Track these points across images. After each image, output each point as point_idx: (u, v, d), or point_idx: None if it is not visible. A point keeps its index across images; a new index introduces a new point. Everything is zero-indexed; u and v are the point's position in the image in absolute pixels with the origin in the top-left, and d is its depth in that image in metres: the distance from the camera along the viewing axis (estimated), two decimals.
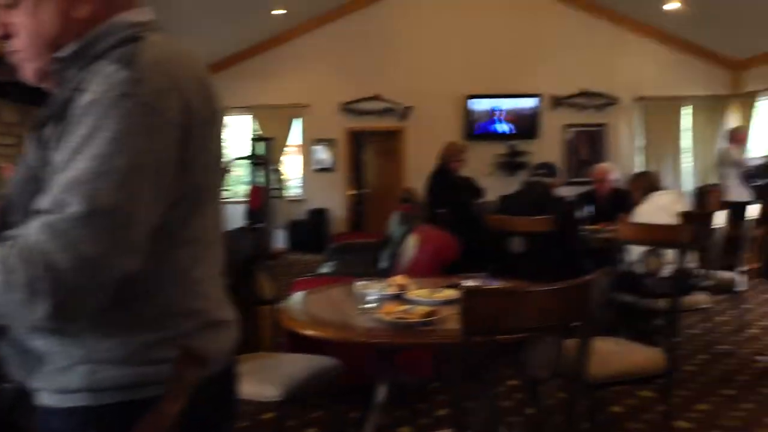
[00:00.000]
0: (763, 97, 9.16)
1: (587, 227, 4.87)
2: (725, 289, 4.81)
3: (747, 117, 9.46)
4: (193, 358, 0.97)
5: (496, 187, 6.94)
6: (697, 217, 4.34)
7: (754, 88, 9.43)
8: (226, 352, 1.11)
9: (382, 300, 2.39)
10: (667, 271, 3.27)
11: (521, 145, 9.56)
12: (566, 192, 7.04)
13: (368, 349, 2.62)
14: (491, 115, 9.48)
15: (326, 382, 2.63)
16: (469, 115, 9.47)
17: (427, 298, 2.44)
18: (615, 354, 2.76)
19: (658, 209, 4.10)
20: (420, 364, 3.43)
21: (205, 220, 1.07)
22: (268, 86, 9.73)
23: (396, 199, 6.98)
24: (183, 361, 0.95)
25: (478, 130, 9.49)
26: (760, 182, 8.07)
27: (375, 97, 9.56)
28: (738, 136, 8.15)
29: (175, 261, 1.03)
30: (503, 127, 9.52)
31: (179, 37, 1.09)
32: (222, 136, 1.11)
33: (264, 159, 9.40)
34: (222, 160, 1.13)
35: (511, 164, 9.36)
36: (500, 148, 9.56)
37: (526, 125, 9.52)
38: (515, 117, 9.52)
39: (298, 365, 2.63)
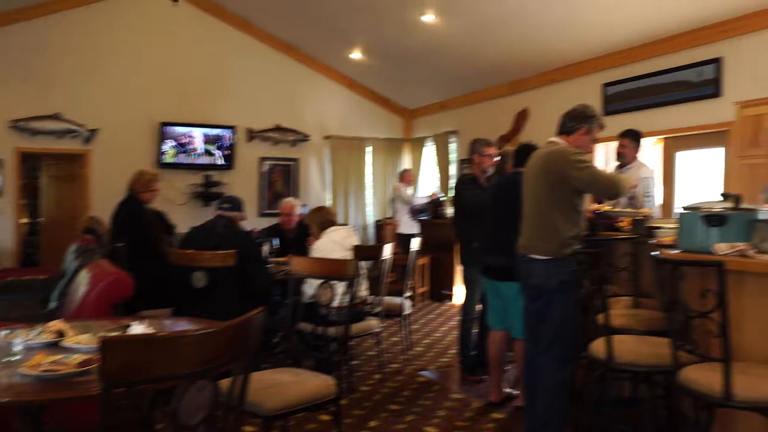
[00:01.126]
0: (430, 143, 10.57)
1: (274, 260, 5.02)
2: (395, 313, 5.35)
3: (417, 159, 10.82)
4: None
5: (189, 218, 6.77)
6: (367, 250, 4.76)
7: (422, 135, 10.84)
8: None
9: (33, 349, 2.13)
10: (341, 300, 3.51)
11: (217, 175, 9.50)
12: (260, 224, 7.21)
13: (10, 409, 2.29)
14: (186, 144, 9.25)
15: None
16: (163, 143, 9.10)
17: (87, 344, 2.23)
18: (291, 384, 2.86)
19: (333, 243, 4.41)
20: (88, 414, 3.12)
21: None
22: None
23: (78, 230, 6.34)
24: None
25: (173, 158, 9.16)
26: (425, 217, 9.27)
27: (54, 116, 8.62)
28: (407, 177, 9.28)
29: None
30: (198, 157, 9.35)
31: None
32: None
33: None
34: None
35: (206, 195, 9.22)
36: (195, 178, 9.37)
37: (222, 156, 9.50)
38: (211, 147, 9.44)
39: None
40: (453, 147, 9.98)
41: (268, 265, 4.88)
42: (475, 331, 4.99)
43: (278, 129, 9.99)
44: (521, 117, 8.74)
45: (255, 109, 9.83)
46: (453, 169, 9.87)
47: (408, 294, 5.66)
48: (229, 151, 9.53)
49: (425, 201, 9.37)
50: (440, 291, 8.84)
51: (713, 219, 2.43)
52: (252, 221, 8.45)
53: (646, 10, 6.20)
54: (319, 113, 10.48)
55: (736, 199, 2.42)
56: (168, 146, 9.09)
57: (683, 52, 6.48)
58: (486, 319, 4.51)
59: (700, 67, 6.31)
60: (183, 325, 2.95)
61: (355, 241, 4.61)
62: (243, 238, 4.03)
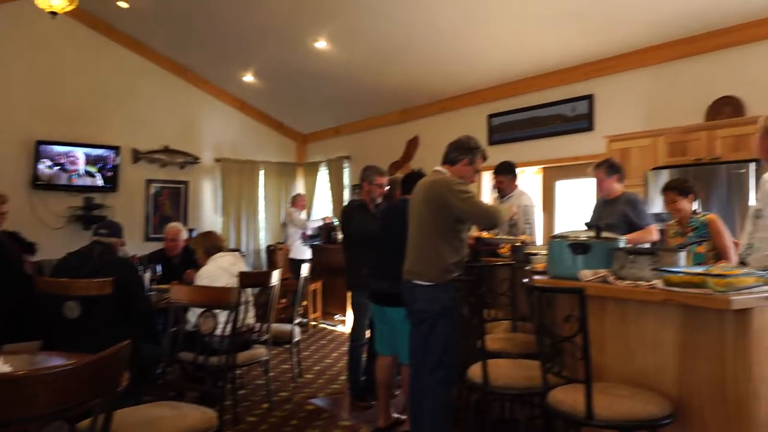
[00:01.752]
0: (323, 168, 10.60)
1: (157, 287, 4.82)
2: (285, 340, 5.28)
3: (311, 184, 10.81)
4: None
5: (68, 243, 6.37)
6: (254, 276, 4.68)
7: (316, 159, 10.86)
8: None
9: None
10: (225, 329, 3.42)
11: (100, 197, 9.04)
12: (146, 249, 6.90)
13: None
14: (65, 164, 8.74)
15: None
16: (38, 162, 8.54)
17: None
18: (168, 419, 2.74)
19: (220, 269, 4.31)
20: None
21: None
22: None
23: None
24: None
25: (51, 179, 8.62)
26: (317, 242, 9.25)
27: None
28: (300, 201, 9.24)
29: None
30: (79, 178, 8.85)
31: None
32: None
33: None
34: None
35: (86, 218, 8.73)
36: (75, 200, 8.86)
37: (105, 177, 9.06)
38: (93, 167, 8.97)
39: None
40: (346, 172, 10.06)
41: (151, 293, 4.69)
42: (365, 356, 5.00)
43: (167, 150, 9.67)
44: (412, 144, 8.96)
45: (142, 129, 9.48)
46: (346, 194, 9.94)
47: (298, 320, 5.61)
48: (113, 173, 9.10)
49: (318, 226, 9.35)
50: (333, 316, 8.82)
51: (578, 247, 2.59)
52: (137, 246, 8.09)
53: (529, 46, 6.58)
54: (210, 135, 10.26)
55: (598, 228, 2.60)
56: (44, 166, 8.55)
57: (560, 87, 6.93)
58: (374, 345, 4.54)
59: (575, 102, 6.77)
60: (53, 360, 2.76)
61: (243, 267, 4.52)
62: (121, 265, 3.84)
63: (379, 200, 5.06)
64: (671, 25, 5.65)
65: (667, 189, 4.25)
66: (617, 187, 4.64)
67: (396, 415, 4.39)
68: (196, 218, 10.05)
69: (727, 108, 5.54)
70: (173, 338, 3.21)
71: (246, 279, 4.31)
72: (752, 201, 4.72)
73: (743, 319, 2.13)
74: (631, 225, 4.41)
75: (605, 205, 4.67)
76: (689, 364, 2.30)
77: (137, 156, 9.42)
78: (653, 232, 4.44)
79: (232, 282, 4.27)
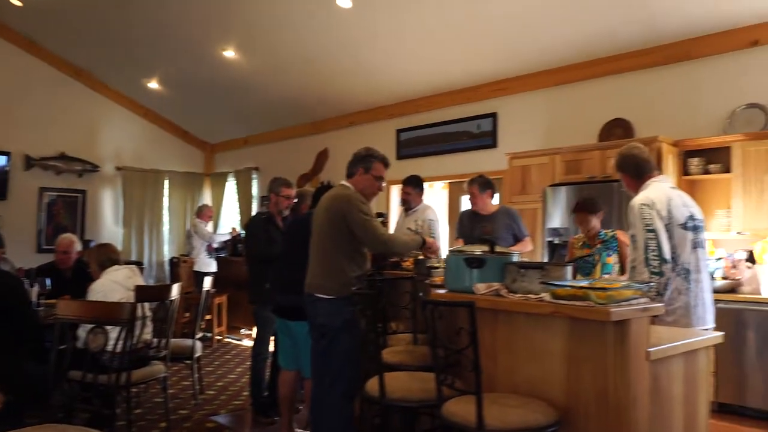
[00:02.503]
0: (231, 179, 10.40)
1: (45, 302, 4.56)
2: (186, 355, 5.10)
3: (219, 195, 10.57)
4: None
5: None
6: (151, 290, 4.51)
7: (224, 170, 10.64)
8: None
9: None
10: (118, 346, 3.27)
11: None
12: (38, 261, 6.51)
13: None
14: None
15: None
16: None
17: None
18: None
19: (114, 284, 4.12)
20: None
21: None
22: None
23: None
24: None
25: None
26: (223, 254, 9.03)
27: None
28: (206, 213, 9.00)
29: None
30: None
31: None
32: None
33: None
34: None
35: None
36: None
37: None
38: None
39: None
40: (255, 183, 9.92)
41: (39, 308, 4.42)
42: (269, 372, 4.93)
43: (63, 157, 9.21)
44: (322, 157, 8.96)
45: (35, 134, 8.98)
46: (255, 206, 9.79)
47: (200, 335, 5.45)
48: (2, 180, 8.55)
49: (225, 238, 9.14)
50: (239, 331, 8.63)
51: (473, 261, 2.67)
52: (27, 258, 7.62)
53: (434, 65, 6.75)
54: (111, 143, 9.85)
55: (492, 243, 2.69)
56: None
57: (466, 105, 7.14)
58: (278, 359, 4.48)
59: (480, 120, 6.99)
60: None
61: (140, 281, 4.35)
62: (3, 278, 3.59)
63: (286, 212, 5.02)
64: (568, 50, 5.96)
65: (578, 209, 4.48)
66: (490, 203, 4.86)
67: (299, 431, 4.34)
68: (95, 229, 9.60)
69: (618, 129, 5.89)
70: (61, 356, 3.04)
71: (143, 293, 4.14)
72: None
73: (622, 329, 2.25)
74: (515, 237, 4.71)
75: (478, 219, 4.86)
76: (575, 373, 2.41)
77: (30, 162, 8.90)
78: (530, 244, 4.88)
79: (127, 297, 4.09)
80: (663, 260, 3.06)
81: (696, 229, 3.24)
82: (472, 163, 7.05)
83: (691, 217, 3.24)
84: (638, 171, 3.37)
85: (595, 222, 4.43)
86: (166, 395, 4.67)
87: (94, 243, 7.46)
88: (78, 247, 5.28)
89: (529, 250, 4.87)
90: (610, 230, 4.46)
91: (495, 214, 4.83)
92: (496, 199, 5.15)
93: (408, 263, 4.33)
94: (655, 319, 2.98)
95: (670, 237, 3.13)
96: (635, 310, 2.27)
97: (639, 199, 3.20)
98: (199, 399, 5.31)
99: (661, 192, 3.23)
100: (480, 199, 4.82)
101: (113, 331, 3.15)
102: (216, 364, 6.81)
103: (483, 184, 4.83)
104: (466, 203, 7.29)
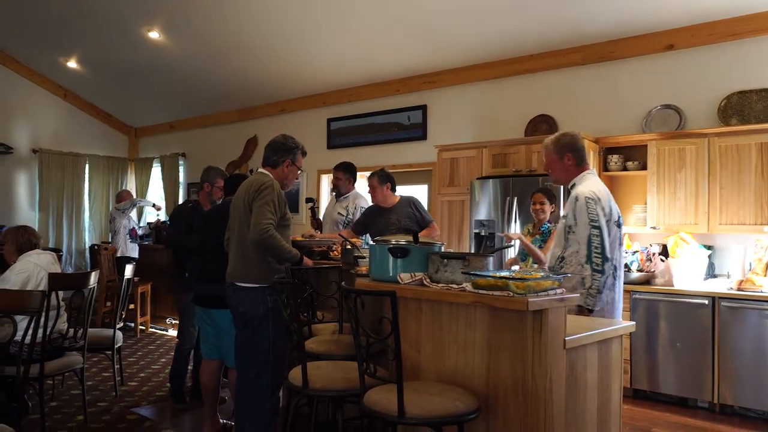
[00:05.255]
0: (157, 164, 10.09)
1: None
2: (106, 345, 4.94)
3: (144, 180, 10.24)
4: None
5: None
6: (66, 278, 4.33)
7: (149, 155, 10.31)
8: None
9: None
10: (29, 336, 3.12)
11: None
12: None
13: None
14: None
15: None
16: None
17: None
18: None
19: (39, 267, 3.95)
20: None
21: None
22: None
23: None
24: None
25: None
26: (147, 242, 8.76)
27: None
28: (126, 198, 8.67)
29: None
30: None
31: None
32: None
33: None
34: None
35: None
36: None
37: None
38: None
39: None
40: (182, 169, 9.67)
41: None
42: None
43: None
44: (251, 144, 8.82)
45: None
46: (181, 192, 9.54)
47: (121, 324, 5.28)
48: None
49: (150, 204, 8.86)
50: (164, 320, 8.41)
51: (397, 251, 2.69)
52: None
53: (365, 55, 6.75)
54: (26, 124, 9.38)
55: (415, 234, 2.72)
56: None
57: (397, 96, 7.18)
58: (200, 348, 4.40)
59: (410, 111, 7.04)
60: None
61: (58, 269, 4.16)
62: None
63: (219, 203, 4.92)
64: (497, 46, 6.08)
65: (538, 192, 4.62)
66: (391, 194, 4.90)
67: (224, 421, 4.28)
68: (7, 214, 9.13)
69: (543, 125, 6.07)
70: None
71: (57, 281, 3.97)
72: (563, 212, 5.19)
73: (540, 319, 2.32)
74: (419, 225, 4.75)
75: (381, 212, 4.89)
76: (495, 361, 2.47)
77: None
78: (436, 228, 4.95)
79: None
80: (605, 258, 3.05)
81: (620, 226, 3.28)
82: (402, 155, 7.10)
83: (618, 215, 3.28)
84: (582, 157, 3.31)
85: (548, 209, 4.59)
86: (83, 387, 4.51)
87: (6, 228, 7.10)
88: None
89: (437, 234, 4.94)
90: (554, 225, 4.54)
91: (397, 205, 4.88)
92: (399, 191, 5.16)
93: (335, 253, 4.32)
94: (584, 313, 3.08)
95: (608, 234, 3.11)
96: (553, 300, 2.35)
97: (584, 192, 3.13)
98: (119, 391, 5.16)
99: (602, 187, 3.21)
100: (380, 191, 4.85)
101: (23, 321, 3.01)
102: (139, 355, 6.62)
103: (382, 176, 4.88)
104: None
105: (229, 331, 3.83)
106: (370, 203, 5.50)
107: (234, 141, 8.96)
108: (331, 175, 5.70)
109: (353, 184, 5.59)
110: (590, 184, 3.21)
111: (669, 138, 5.13)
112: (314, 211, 5.52)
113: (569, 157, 3.31)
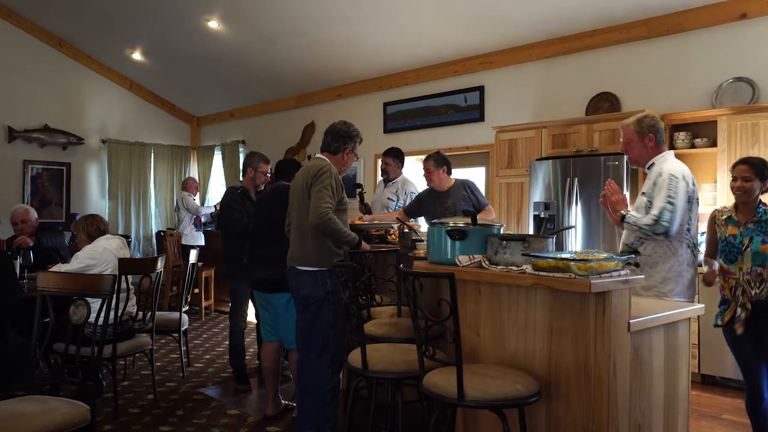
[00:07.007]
0: (218, 152, 10.32)
1: (28, 275, 4.55)
2: (173, 328, 5.11)
3: (206, 168, 10.49)
4: None
5: None
6: (134, 263, 4.49)
7: (211, 143, 10.54)
8: None
9: None
10: (102, 318, 3.26)
11: None
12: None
13: None
14: None
15: None
16: None
17: None
18: (33, 415, 2.58)
19: (107, 251, 4.11)
20: None
21: None
22: None
23: None
24: None
25: None
26: (211, 228, 8.99)
27: None
28: (192, 185, 8.92)
29: None
30: None
31: None
32: None
33: None
34: None
35: None
36: None
37: None
38: None
39: None
40: (242, 156, 9.85)
41: (23, 281, 4.41)
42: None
43: (46, 129, 9.08)
44: (308, 130, 8.89)
45: (17, 105, 8.84)
46: (242, 179, 9.73)
47: (186, 308, 5.45)
48: None
49: (211, 210, 9.10)
50: (227, 303, 8.62)
51: (455, 233, 2.66)
52: (11, 231, 7.54)
53: (421, 37, 6.68)
54: (95, 115, 9.72)
55: (474, 216, 2.69)
56: None
57: (453, 78, 7.08)
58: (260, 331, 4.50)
59: (467, 93, 6.94)
60: None
61: (127, 254, 4.33)
62: None
63: (262, 188, 4.99)
64: (556, 22, 5.91)
65: (744, 162, 3.33)
66: (446, 179, 4.83)
67: (285, 402, 4.37)
68: (81, 203, 9.53)
69: (605, 103, 5.88)
70: (43, 329, 3.03)
71: (127, 266, 4.12)
72: (626, 191, 5.05)
73: (603, 301, 2.26)
74: (474, 208, 4.65)
75: (437, 196, 4.83)
76: (556, 345, 2.42)
77: (13, 135, 8.78)
78: (492, 211, 4.88)
79: (115, 266, 4.09)
80: (667, 233, 3.12)
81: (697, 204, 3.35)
82: (458, 137, 7.02)
83: (697, 194, 3.34)
84: (662, 139, 3.36)
85: (756, 190, 3.28)
86: (153, 367, 4.69)
87: (79, 217, 7.40)
88: (34, 214, 5.23)
89: (493, 218, 4.86)
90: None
91: (452, 189, 4.82)
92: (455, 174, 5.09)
93: (393, 236, 4.33)
94: (668, 289, 3.13)
95: (691, 210, 3.22)
96: (616, 282, 2.28)
97: (669, 169, 3.19)
98: (186, 371, 5.34)
99: (684, 167, 3.27)
100: (436, 175, 4.80)
101: (96, 303, 3.14)
102: (204, 338, 6.83)
103: (438, 160, 4.81)
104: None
105: (284, 313, 3.91)
106: (419, 188, 5.49)
107: (292, 127, 9.06)
108: (382, 157, 5.72)
109: (401, 169, 5.61)
110: (673, 163, 3.26)
111: (741, 112, 4.89)
112: (362, 196, 5.55)
113: (651, 137, 3.34)
